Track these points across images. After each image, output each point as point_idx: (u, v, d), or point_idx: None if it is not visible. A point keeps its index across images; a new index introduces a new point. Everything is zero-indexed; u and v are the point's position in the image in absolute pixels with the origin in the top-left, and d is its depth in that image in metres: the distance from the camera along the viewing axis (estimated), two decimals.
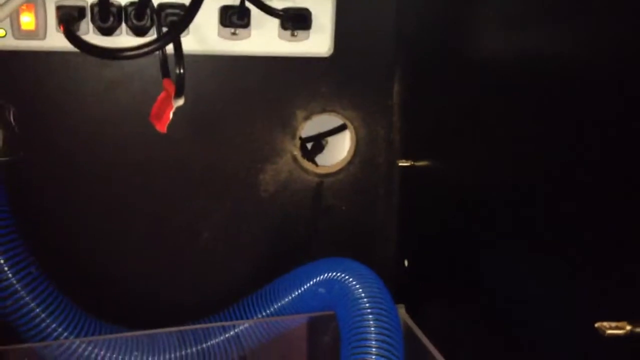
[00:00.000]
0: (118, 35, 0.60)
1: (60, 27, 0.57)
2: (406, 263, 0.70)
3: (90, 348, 0.62)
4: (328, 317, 0.65)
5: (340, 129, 0.74)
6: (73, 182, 0.66)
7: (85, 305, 0.65)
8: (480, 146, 0.54)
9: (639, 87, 0.35)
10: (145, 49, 0.54)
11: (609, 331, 0.37)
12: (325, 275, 0.64)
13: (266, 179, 0.70)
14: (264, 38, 0.64)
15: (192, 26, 0.61)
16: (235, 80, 0.67)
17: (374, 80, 0.70)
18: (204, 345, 0.65)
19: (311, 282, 0.65)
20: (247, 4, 0.61)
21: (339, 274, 0.64)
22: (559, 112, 0.43)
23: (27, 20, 0.58)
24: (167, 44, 0.56)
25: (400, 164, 0.70)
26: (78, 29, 0.59)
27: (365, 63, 0.69)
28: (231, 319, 0.68)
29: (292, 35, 0.64)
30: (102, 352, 0.62)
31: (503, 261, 0.51)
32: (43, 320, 0.61)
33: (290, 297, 0.66)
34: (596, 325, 0.37)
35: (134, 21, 0.59)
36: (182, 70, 0.56)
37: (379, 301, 0.60)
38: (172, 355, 0.64)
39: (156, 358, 0.63)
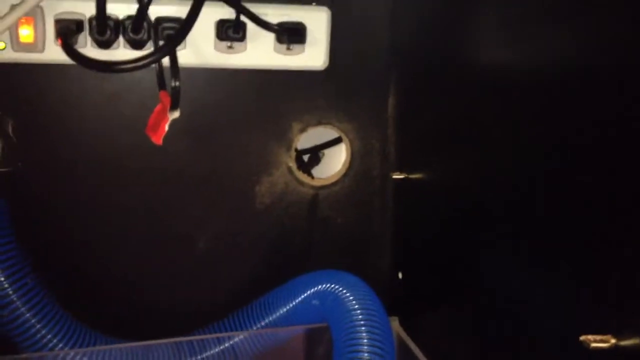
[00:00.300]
0: (115, 48, 0.61)
1: (58, 41, 0.58)
2: (400, 275, 0.71)
3: (85, 359, 0.62)
4: (322, 329, 0.65)
5: (337, 141, 0.75)
6: (71, 193, 0.66)
7: (81, 316, 0.66)
8: (475, 160, 0.54)
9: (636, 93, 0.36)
10: (142, 62, 0.54)
11: (594, 344, 0.37)
12: (320, 287, 0.65)
13: (262, 190, 0.70)
14: (259, 51, 0.65)
15: (189, 39, 0.62)
16: (231, 92, 0.67)
17: (368, 93, 0.70)
18: (199, 357, 0.65)
19: (305, 294, 0.65)
20: (243, 18, 0.62)
21: (332, 286, 0.64)
22: (554, 124, 0.43)
23: (26, 33, 0.59)
24: (163, 57, 0.57)
25: (394, 177, 0.70)
26: (76, 42, 0.59)
27: (360, 76, 0.70)
28: (226, 330, 0.68)
29: (288, 48, 0.65)
30: None
31: (497, 274, 0.51)
32: (39, 331, 0.61)
33: (285, 309, 0.66)
34: (581, 338, 0.38)
35: (131, 34, 0.60)
36: (177, 83, 0.57)
37: (372, 313, 0.61)
38: None
39: None
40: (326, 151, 0.79)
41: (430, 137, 0.64)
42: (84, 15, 0.60)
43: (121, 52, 0.61)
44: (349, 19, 0.67)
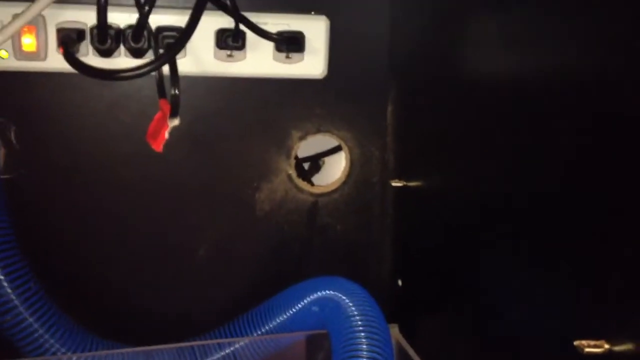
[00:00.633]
0: (116, 56, 0.62)
1: (60, 49, 0.59)
2: (400, 282, 0.71)
3: None
4: (322, 336, 0.65)
5: (337, 149, 0.75)
6: (72, 200, 0.67)
7: (83, 321, 0.66)
8: (474, 167, 0.55)
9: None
10: (142, 70, 0.55)
11: (587, 349, 0.37)
12: (319, 293, 0.65)
13: (262, 197, 0.71)
14: (259, 60, 0.65)
15: (188, 48, 0.62)
16: (230, 100, 0.68)
17: (367, 101, 0.71)
18: None
19: (305, 301, 0.65)
20: (242, 27, 0.63)
21: (332, 293, 0.64)
22: (553, 128, 0.43)
23: (29, 42, 0.60)
24: (163, 65, 0.58)
25: (393, 184, 0.70)
26: (77, 51, 0.60)
27: (359, 84, 0.70)
28: (227, 337, 0.68)
29: (287, 57, 0.66)
30: None
31: (496, 282, 0.51)
32: (41, 335, 0.61)
33: (285, 316, 0.66)
34: (575, 343, 0.38)
35: (132, 43, 0.61)
36: (177, 91, 0.57)
37: (371, 319, 0.61)
38: None
39: None
40: (326, 159, 0.79)
41: (429, 144, 0.64)
42: (85, 24, 0.61)
43: (122, 60, 0.62)
44: (347, 28, 0.68)
